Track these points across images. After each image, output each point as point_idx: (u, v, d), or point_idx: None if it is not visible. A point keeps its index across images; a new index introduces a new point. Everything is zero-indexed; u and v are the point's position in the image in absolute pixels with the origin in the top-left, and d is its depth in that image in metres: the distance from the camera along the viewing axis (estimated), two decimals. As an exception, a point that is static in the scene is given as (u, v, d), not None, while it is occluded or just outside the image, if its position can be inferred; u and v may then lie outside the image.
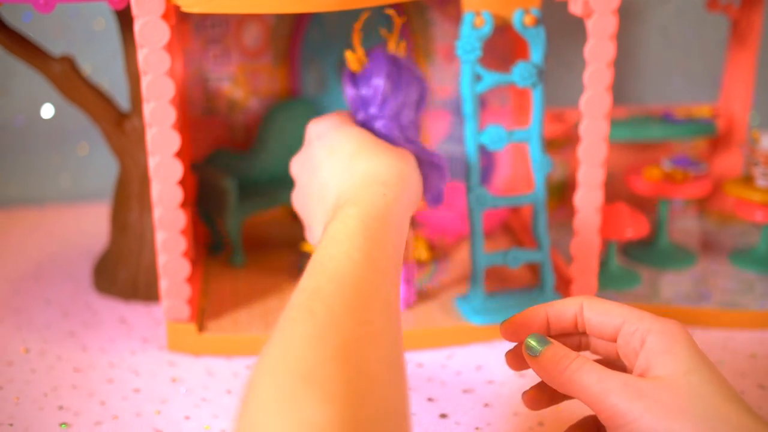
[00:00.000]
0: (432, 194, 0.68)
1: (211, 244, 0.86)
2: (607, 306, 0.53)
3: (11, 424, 0.60)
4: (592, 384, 0.48)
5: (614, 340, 0.52)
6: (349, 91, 0.68)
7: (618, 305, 0.53)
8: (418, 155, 0.65)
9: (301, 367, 0.38)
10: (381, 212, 0.53)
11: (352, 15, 0.89)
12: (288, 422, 0.35)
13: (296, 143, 0.89)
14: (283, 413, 0.36)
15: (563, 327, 0.54)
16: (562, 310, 0.54)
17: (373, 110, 0.66)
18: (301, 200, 0.66)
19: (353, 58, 0.68)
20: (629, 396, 0.47)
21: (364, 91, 0.67)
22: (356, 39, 0.68)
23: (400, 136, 0.66)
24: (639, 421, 0.47)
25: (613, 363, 0.53)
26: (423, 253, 0.84)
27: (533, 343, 0.52)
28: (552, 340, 0.52)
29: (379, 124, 0.66)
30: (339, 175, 0.60)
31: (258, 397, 0.38)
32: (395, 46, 0.69)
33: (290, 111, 0.88)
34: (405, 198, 0.58)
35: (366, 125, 0.67)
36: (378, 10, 0.88)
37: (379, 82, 0.66)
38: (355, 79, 0.68)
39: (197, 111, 0.89)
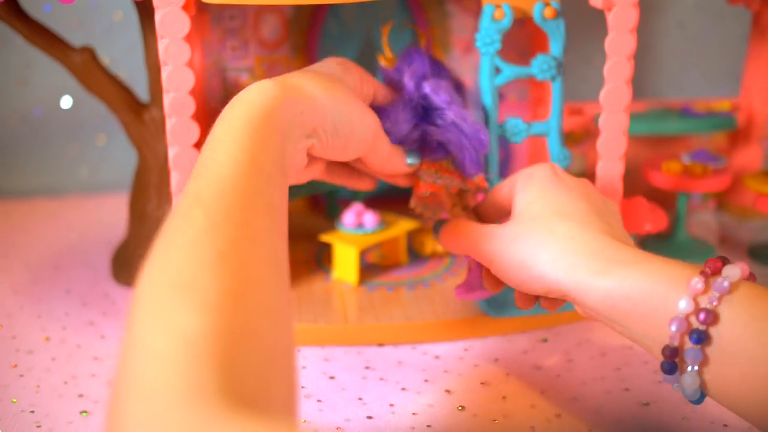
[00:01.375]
0: (470, 162, 0.66)
1: None
2: (501, 183, 0.63)
3: (32, 411, 0.61)
4: (468, 243, 0.60)
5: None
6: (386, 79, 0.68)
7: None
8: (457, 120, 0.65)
9: (178, 277, 0.38)
10: (268, 112, 0.50)
11: (369, 7, 0.89)
12: (162, 333, 0.35)
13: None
14: (158, 324, 0.36)
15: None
16: (494, 197, 0.64)
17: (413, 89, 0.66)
18: None
19: (385, 61, 0.69)
20: (486, 241, 0.58)
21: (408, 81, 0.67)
22: (385, 42, 0.68)
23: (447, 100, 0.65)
24: (496, 259, 0.57)
25: None
26: (440, 246, 0.84)
27: (435, 230, 0.63)
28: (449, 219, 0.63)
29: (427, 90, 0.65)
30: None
31: (137, 310, 0.37)
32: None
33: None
34: (303, 106, 0.53)
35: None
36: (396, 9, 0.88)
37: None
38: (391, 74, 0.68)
39: (215, 102, 0.89)
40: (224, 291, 0.38)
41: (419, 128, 0.65)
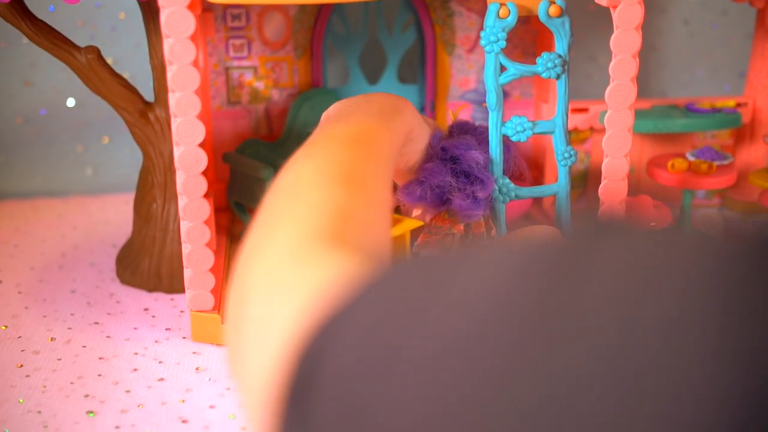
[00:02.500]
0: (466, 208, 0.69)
1: (242, 233, 0.86)
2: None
3: (39, 412, 0.61)
4: None
5: None
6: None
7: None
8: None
9: (324, 166, 0.50)
10: (398, 107, 0.64)
11: (373, 6, 0.89)
12: (323, 196, 0.47)
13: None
14: (319, 190, 0.47)
15: None
16: None
17: None
18: None
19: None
20: None
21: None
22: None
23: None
24: None
25: None
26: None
27: None
28: None
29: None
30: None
31: (298, 178, 0.50)
32: None
33: (319, 100, 0.88)
34: (416, 114, 0.66)
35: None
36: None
37: None
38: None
39: (219, 102, 0.89)
40: (354, 181, 0.49)
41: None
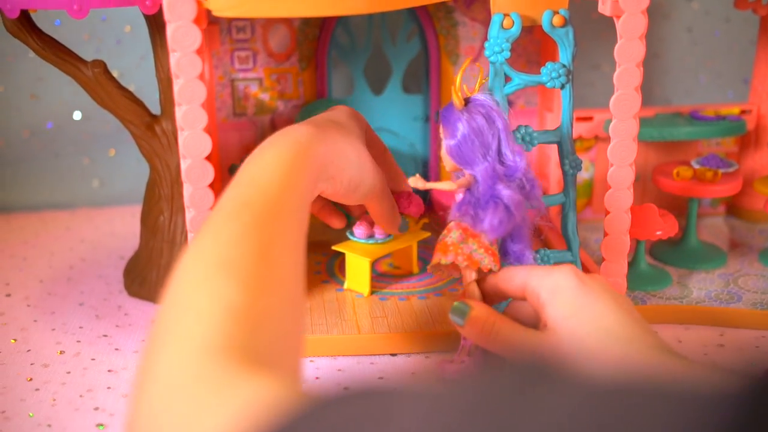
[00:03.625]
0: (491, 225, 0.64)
1: None
2: (511, 273, 0.61)
3: (49, 425, 0.61)
4: (505, 347, 0.58)
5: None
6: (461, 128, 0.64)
7: (519, 269, 0.60)
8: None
9: (226, 258, 0.46)
10: (310, 150, 0.59)
11: (377, 17, 0.90)
12: (207, 297, 0.42)
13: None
14: (204, 290, 0.43)
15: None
16: (500, 285, 0.62)
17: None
18: None
19: (456, 100, 0.64)
20: (517, 346, 0.58)
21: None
22: (459, 81, 0.64)
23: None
24: None
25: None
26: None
27: (458, 314, 0.60)
28: (473, 303, 0.60)
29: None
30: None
31: (184, 277, 0.45)
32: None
33: (324, 111, 0.88)
34: (333, 155, 0.62)
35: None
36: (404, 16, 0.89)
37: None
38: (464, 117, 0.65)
39: (225, 114, 0.90)
40: (261, 277, 0.45)
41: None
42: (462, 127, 0.62)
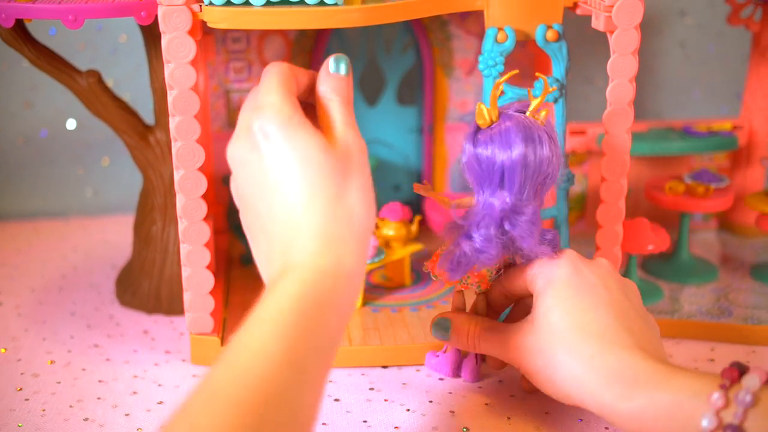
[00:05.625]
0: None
1: (243, 256, 0.86)
2: (517, 270, 0.62)
3: (38, 435, 0.61)
4: (483, 341, 0.61)
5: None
6: (467, 149, 0.59)
7: (522, 266, 0.61)
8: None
9: None
10: (324, 297, 0.46)
11: (372, 29, 0.90)
12: None
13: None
14: None
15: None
16: (507, 284, 0.63)
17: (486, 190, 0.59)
18: (244, 216, 0.55)
19: (483, 113, 0.59)
20: (508, 349, 0.59)
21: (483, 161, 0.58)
22: (494, 96, 0.60)
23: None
24: (523, 367, 0.58)
25: None
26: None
27: (440, 329, 0.64)
28: (451, 315, 0.64)
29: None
30: (316, 215, 0.48)
31: None
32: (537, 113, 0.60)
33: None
34: (359, 279, 0.49)
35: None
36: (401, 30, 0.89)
37: (505, 159, 0.57)
38: (477, 137, 0.59)
39: (220, 124, 0.90)
40: None
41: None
42: (468, 149, 0.59)
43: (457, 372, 0.68)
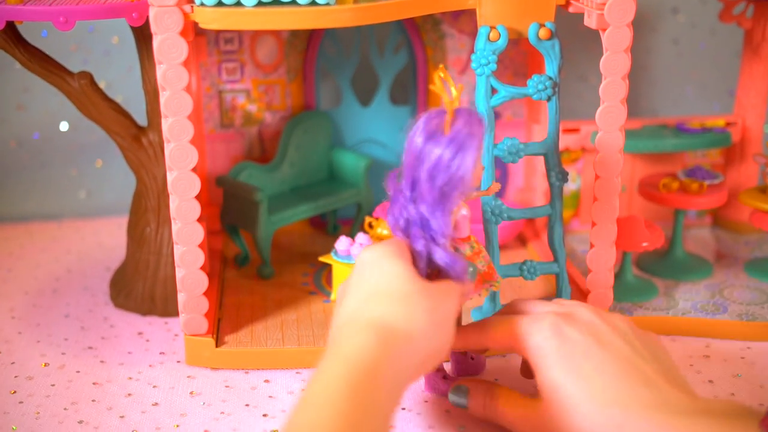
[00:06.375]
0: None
1: (237, 257, 0.86)
2: (491, 324, 0.60)
3: (32, 439, 0.61)
4: (500, 414, 0.59)
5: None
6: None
7: (497, 321, 0.60)
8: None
9: None
10: (369, 368, 0.48)
11: (365, 28, 0.90)
12: None
13: (316, 155, 0.90)
14: None
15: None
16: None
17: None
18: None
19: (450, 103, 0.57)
20: (520, 422, 0.58)
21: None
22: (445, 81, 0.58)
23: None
24: None
25: None
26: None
27: (458, 396, 0.61)
28: (470, 384, 0.61)
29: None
30: (348, 315, 0.54)
31: None
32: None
33: (311, 122, 0.88)
34: (407, 357, 0.51)
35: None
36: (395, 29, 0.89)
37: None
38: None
39: (213, 125, 0.90)
40: None
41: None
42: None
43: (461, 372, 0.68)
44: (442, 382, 0.66)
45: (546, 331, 0.56)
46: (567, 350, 0.55)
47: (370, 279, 0.55)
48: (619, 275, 0.80)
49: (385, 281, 0.55)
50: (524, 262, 0.73)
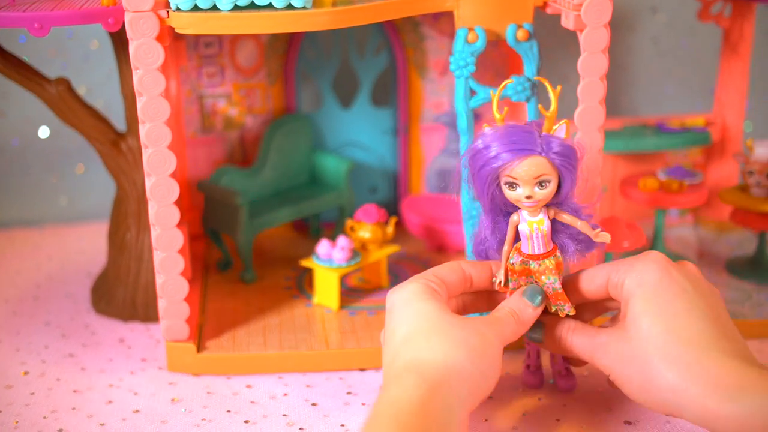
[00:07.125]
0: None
1: (219, 262, 0.86)
2: (590, 274, 0.61)
3: (11, 448, 0.60)
4: (575, 346, 0.60)
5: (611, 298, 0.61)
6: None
7: (600, 267, 0.60)
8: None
9: None
10: (416, 408, 0.50)
11: (345, 30, 0.90)
12: None
13: (297, 158, 0.90)
14: None
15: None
16: (583, 285, 0.62)
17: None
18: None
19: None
20: (601, 354, 0.58)
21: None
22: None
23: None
24: (615, 374, 0.57)
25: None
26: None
27: (535, 331, 0.62)
28: (545, 319, 0.62)
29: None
30: (388, 361, 0.56)
31: None
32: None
33: (292, 126, 0.88)
34: (450, 391, 0.52)
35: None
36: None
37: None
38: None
39: (193, 129, 0.89)
40: None
41: None
42: None
43: None
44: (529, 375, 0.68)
45: (650, 263, 0.58)
46: (664, 284, 0.56)
47: (401, 322, 0.57)
48: (600, 275, 0.80)
49: (416, 321, 0.57)
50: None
